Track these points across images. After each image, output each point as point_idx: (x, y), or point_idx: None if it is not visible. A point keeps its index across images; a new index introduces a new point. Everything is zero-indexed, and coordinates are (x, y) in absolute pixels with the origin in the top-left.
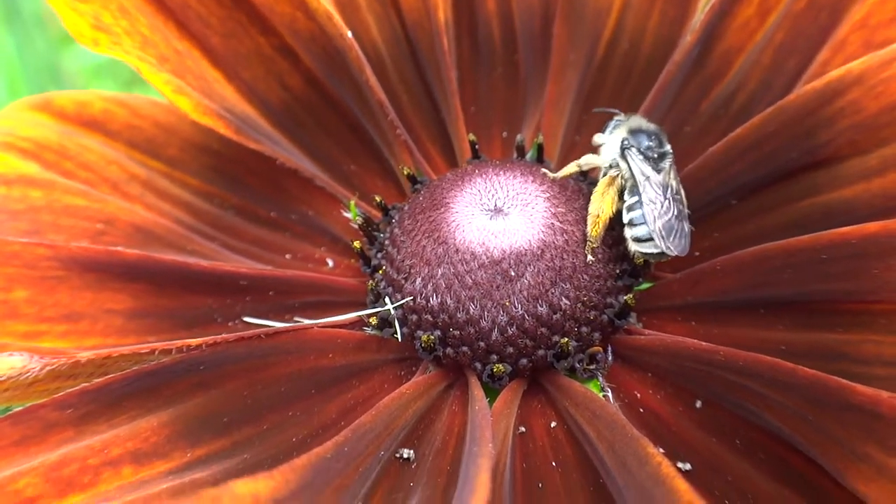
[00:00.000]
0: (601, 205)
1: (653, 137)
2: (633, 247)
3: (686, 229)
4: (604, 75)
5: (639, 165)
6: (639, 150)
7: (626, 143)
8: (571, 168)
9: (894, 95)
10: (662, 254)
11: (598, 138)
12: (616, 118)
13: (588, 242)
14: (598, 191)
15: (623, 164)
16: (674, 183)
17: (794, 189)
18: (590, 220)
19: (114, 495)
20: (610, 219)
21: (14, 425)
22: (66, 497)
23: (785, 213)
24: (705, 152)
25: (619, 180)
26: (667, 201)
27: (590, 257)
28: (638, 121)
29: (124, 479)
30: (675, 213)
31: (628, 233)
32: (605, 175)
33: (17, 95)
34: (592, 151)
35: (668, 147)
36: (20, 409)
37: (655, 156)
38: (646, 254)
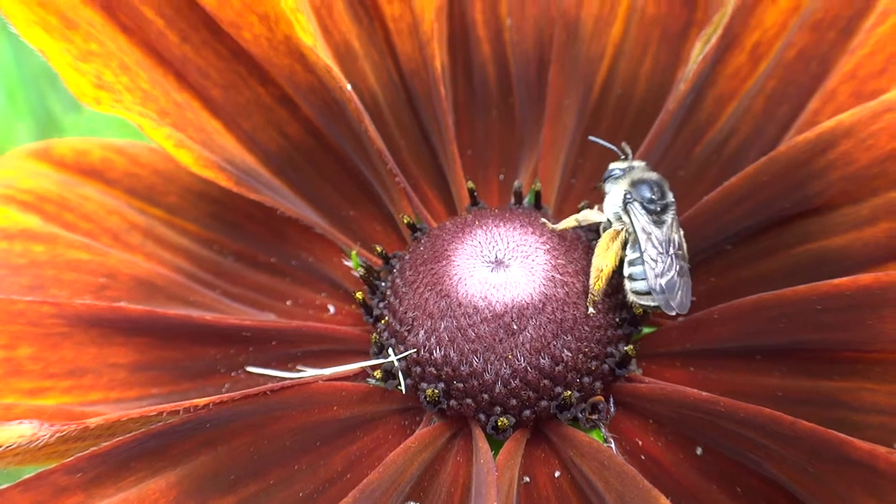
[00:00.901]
0: (605, 259)
1: (655, 189)
2: (633, 298)
3: (688, 285)
4: (598, 119)
5: (641, 221)
6: (641, 204)
7: (628, 196)
8: (569, 223)
9: (885, 147)
10: (662, 307)
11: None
12: (618, 167)
13: (590, 296)
14: (601, 244)
15: (626, 218)
16: (676, 237)
17: (788, 236)
18: (593, 274)
19: None
20: (613, 271)
21: (25, 492)
22: None
23: (780, 259)
24: (700, 199)
25: (622, 233)
26: (669, 258)
27: (591, 310)
28: (640, 172)
29: None
30: (677, 269)
31: (628, 286)
32: (605, 229)
33: (15, 101)
34: (589, 195)
35: (670, 197)
36: (31, 475)
37: (658, 209)
38: (644, 306)
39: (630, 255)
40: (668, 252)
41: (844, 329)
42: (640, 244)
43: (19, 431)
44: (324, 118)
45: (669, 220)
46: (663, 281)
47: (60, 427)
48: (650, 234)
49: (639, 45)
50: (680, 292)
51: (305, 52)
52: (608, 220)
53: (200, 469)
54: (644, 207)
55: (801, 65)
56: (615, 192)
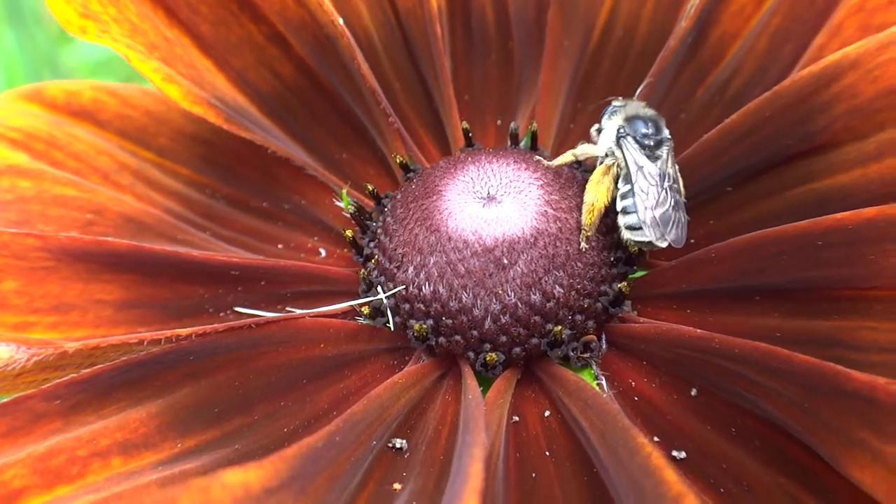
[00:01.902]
0: (596, 193)
1: (650, 124)
2: (626, 234)
3: (683, 219)
4: (598, 63)
5: (633, 155)
6: (635, 138)
7: (621, 131)
8: (567, 157)
9: (891, 79)
10: (655, 244)
11: (595, 128)
12: (614, 104)
13: (582, 231)
14: (593, 179)
15: (619, 153)
16: (671, 171)
17: (789, 176)
18: (584, 208)
19: (102, 486)
20: (605, 207)
21: (1, 417)
22: (53, 488)
23: (781, 200)
24: (700, 139)
25: (615, 168)
26: (663, 191)
27: (584, 245)
28: (635, 107)
29: (113, 469)
30: (672, 203)
31: (622, 221)
32: (601, 164)
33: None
34: (587, 139)
35: (665, 133)
36: (7, 400)
37: (652, 143)
38: (638, 242)
39: (622, 188)
40: (661, 185)
41: (845, 265)
42: (631, 177)
43: None
44: (316, 56)
45: (665, 156)
46: (657, 213)
47: (37, 350)
48: (642, 167)
49: None
50: (675, 227)
51: None
52: (605, 154)
53: (183, 401)
54: (637, 142)
55: (806, 0)
56: (610, 128)
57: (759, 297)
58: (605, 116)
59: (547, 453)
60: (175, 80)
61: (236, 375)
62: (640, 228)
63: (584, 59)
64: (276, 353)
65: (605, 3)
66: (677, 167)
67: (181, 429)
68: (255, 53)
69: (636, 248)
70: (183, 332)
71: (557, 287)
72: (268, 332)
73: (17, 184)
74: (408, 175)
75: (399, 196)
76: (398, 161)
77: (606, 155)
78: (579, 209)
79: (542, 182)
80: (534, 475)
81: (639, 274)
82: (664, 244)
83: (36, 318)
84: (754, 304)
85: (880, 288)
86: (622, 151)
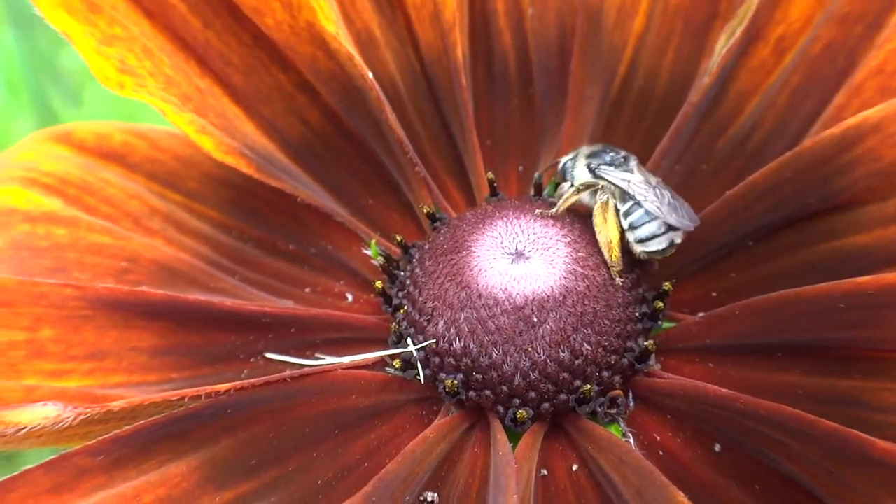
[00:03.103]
0: (608, 231)
1: (608, 150)
2: (639, 248)
3: (685, 203)
4: (620, 111)
5: (616, 175)
6: (606, 164)
7: (591, 165)
8: (570, 198)
9: None
10: (671, 245)
11: (565, 185)
12: (565, 158)
13: (612, 268)
14: (598, 221)
15: (602, 182)
16: (650, 177)
17: (811, 232)
18: (604, 249)
19: None
20: (620, 239)
21: (47, 473)
22: None
23: (802, 256)
24: (723, 193)
25: (609, 200)
26: (656, 190)
27: (618, 280)
28: (587, 149)
29: None
30: (669, 194)
31: (632, 237)
32: (596, 206)
33: (16, 96)
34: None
35: (623, 152)
36: (53, 457)
37: (621, 160)
38: (654, 252)
39: (624, 207)
40: (652, 186)
41: (867, 327)
42: (626, 192)
43: (44, 413)
44: (344, 106)
45: (635, 168)
46: (664, 205)
47: (84, 409)
48: (629, 180)
49: (661, 37)
50: (683, 209)
51: (328, 39)
52: (581, 185)
53: (221, 454)
54: (610, 165)
55: (827, 59)
56: (580, 172)
57: (780, 354)
58: (570, 170)
59: None
60: (208, 131)
61: (271, 427)
62: (654, 237)
63: (606, 107)
64: (309, 404)
65: (626, 53)
66: (651, 172)
67: (220, 482)
68: (284, 102)
69: (646, 257)
70: (222, 387)
71: (585, 344)
72: (302, 385)
73: (52, 231)
74: (434, 224)
75: (427, 247)
76: (425, 211)
77: (585, 187)
78: (605, 265)
79: (569, 239)
80: None
81: (664, 326)
82: (684, 226)
83: (72, 365)
84: (776, 360)
85: None
86: (604, 179)
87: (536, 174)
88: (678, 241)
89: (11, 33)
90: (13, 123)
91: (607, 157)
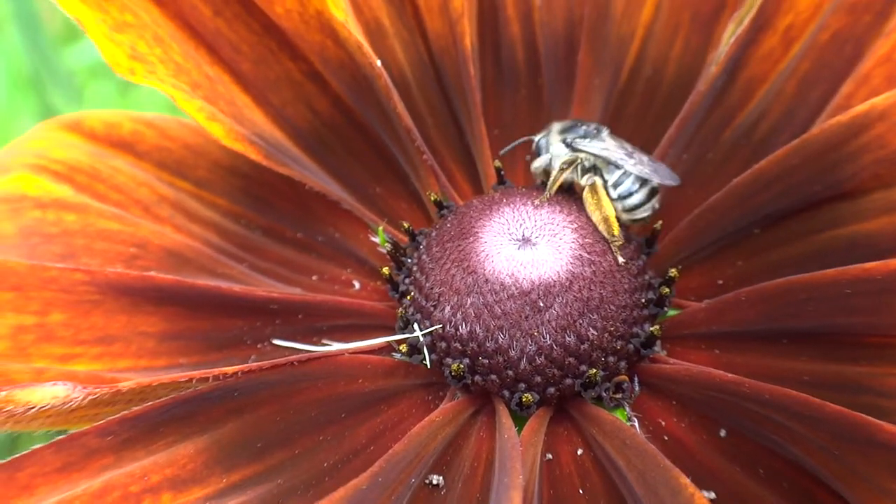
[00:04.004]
0: (601, 209)
1: (580, 125)
2: (625, 217)
3: (663, 165)
4: (627, 101)
5: (593, 146)
6: (581, 138)
7: (566, 139)
8: (557, 179)
9: None
10: (654, 211)
11: (537, 162)
12: (539, 136)
13: (612, 243)
14: (589, 201)
15: (582, 155)
16: (626, 144)
17: (817, 220)
18: (602, 226)
19: None
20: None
21: (57, 452)
22: None
23: (808, 244)
24: (729, 181)
25: (595, 179)
26: (634, 155)
27: (621, 259)
28: (557, 124)
29: None
30: (647, 158)
31: (619, 206)
32: (584, 187)
33: (18, 94)
34: None
35: (594, 123)
36: (62, 437)
37: (594, 132)
38: (638, 220)
39: (610, 178)
40: (630, 152)
41: (873, 313)
42: (608, 160)
43: (53, 393)
44: (353, 94)
45: (608, 137)
46: (645, 167)
47: (93, 389)
48: (607, 148)
49: (669, 27)
50: (663, 169)
51: (337, 27)
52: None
53: (228, 436)
54: (584, 138)
55: (834, 48)
56: (556, 150)
57: (786, 340)
58: (544, 147)
59: (580, 491)
60: (218, 118)
61: (278, 410)
62: (640, 206)
63: (613, 97)
64: (315, 388)
65: (634, 43)
66: (624, 139)
67: (227, 464)
68: (293, 90)
69: (632, 225)
70: (229, 370)
71: (591, 329)
72: (308, 369)
73: (62, 217)
74: (441, 212)
75: (434, 234)
76: (432, 199)
77: (569, 164)
78: (611, 252)
79: (575, 225)
80: None
81: (670, 313)
82: (670, 183)
83: (81, 349)
84: (782, 346)
85: None
86: (584, 151)
87: (496, 160)
88: (657, 206)
89: (19, 31)
90: (16, 122)
91: (581, 130)
